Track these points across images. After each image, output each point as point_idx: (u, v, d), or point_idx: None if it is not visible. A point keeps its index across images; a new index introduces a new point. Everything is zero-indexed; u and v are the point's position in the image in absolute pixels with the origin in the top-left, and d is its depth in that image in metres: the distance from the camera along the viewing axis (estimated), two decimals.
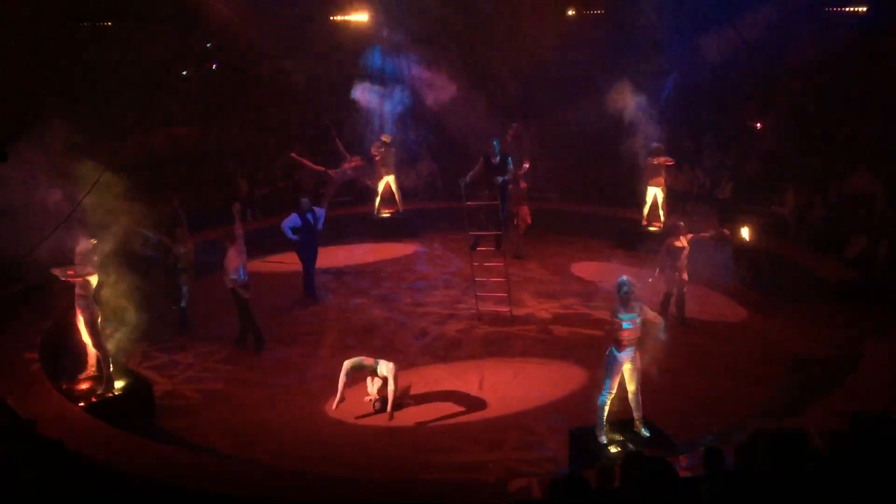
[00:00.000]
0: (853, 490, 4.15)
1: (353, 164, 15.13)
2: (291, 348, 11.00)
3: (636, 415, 7.88)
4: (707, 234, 11.32)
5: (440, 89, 17.65)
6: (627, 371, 7.68)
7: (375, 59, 18.29)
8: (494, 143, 13.05)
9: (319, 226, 12.70)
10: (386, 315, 12.17)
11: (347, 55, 18.64)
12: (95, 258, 8.79)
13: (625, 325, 7.51)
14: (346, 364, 8.88)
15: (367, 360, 8.99)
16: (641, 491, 4.12)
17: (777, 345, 10.78)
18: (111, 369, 8.95)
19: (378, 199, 16.04)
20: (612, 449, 7.65)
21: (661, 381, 8.39)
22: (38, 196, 8.80)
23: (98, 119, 13.55)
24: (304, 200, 12.67)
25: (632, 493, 4.30)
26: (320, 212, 12.80)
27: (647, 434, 7.82)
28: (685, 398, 9.31)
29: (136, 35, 15.92)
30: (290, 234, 12.52)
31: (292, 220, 12.53)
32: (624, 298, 7.51)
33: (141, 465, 7.31)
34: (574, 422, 8.35)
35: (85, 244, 8.73)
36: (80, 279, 8.66)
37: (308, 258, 12.77)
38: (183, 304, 11.62)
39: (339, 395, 8.86)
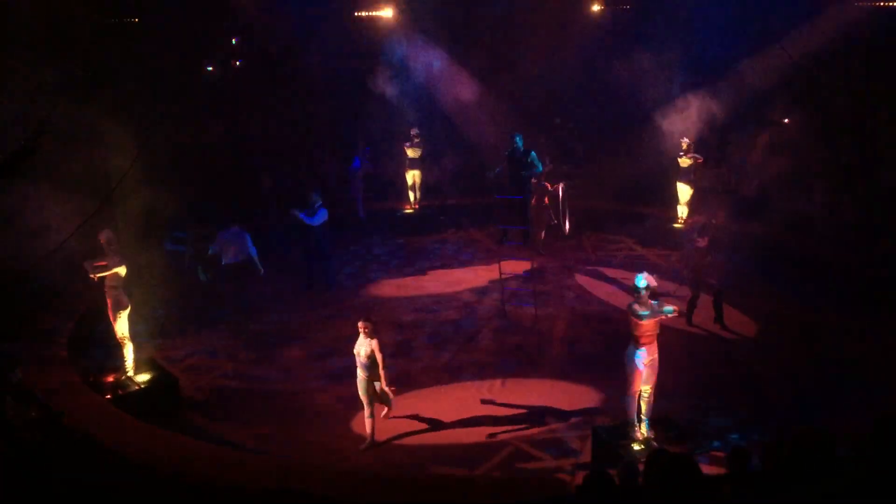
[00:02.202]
0: (879, 493, 4.09)
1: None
2: (315, 343, 11.04)
3: (644, 415, 7.81)
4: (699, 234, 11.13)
5: (462, 84, 17.64)
6: (645, 369, 7.63)
7: (398, 53, 18.31)
8: (517, 137, 12.95)
9: (316, 221, 12.42)
10: (406, 310, 12.21)
11: (371, 50, 18.67)
12: (117, 248, 8.91)
13: (644, 321, 7.46)
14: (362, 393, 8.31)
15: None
16: (665, 489, 4.09)
17: (805, 344, 10.65)
18: (132, 357, 9.13)
19: (410, 193, 16.08)
20: (636, 447, 7.61)
21: (687, 379, 8.32)
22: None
23: (124, 114, 13.69)
24: (314, 194, 12.54)
25: (655, 492, 4.27)
26: (321, 212, 12.52)
27: (651, 436, 7.74)
28: (711, 397, 9.23)
29: (162, 30, 16.02)
30: (300, 216, 12.41)
31: (302, 212, 12.49)
32: (643, 295, 7.45)
33: (165, 458, 7.39)
34: (596, 420, 8.32)
35: (109, 235, 8.83)
36: (111, 272, 8.78)
37: (307, 254, 12.76)
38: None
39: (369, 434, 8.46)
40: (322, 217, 12.50)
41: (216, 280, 11.91)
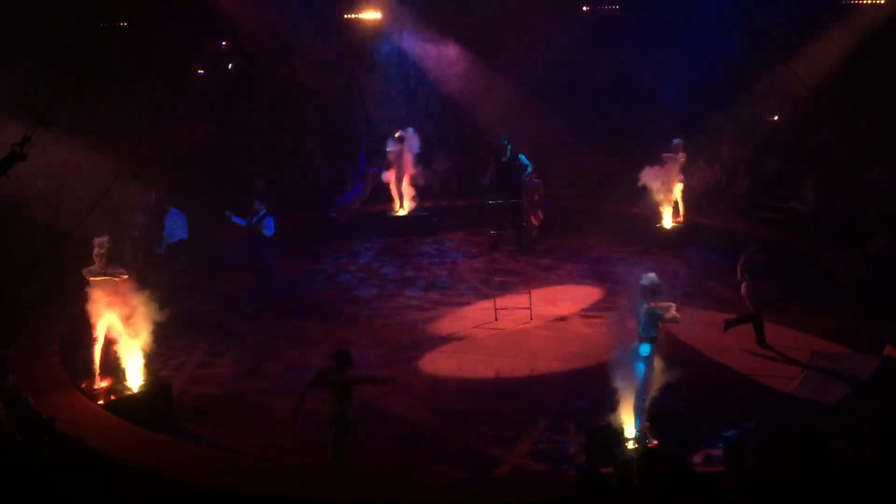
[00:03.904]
0: (874, 491, 4.11)
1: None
2: (306, 345, 11.00)
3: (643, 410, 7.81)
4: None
5: (454, 81, 17.59)
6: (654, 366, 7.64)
7: (388, 52, 18.29)
8: (504, 141, 12.97)
9: (269, 231, 12.24)
10: (400, 311, 12.18)
11: (361, 50, 18.67)
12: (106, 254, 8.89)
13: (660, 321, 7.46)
14: None
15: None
16: (659, 488, 4.10)
17: (797, 342, 10.67)
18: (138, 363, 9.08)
19: (397, 196, 16.03)
20: (630, 446, 7.60)
21: (681, 378, 8.30)
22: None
23: (115, 119, 13.66)
24: (257, 202, 12.29)
25: (649, 491, 4.28)
26: (268, 220, 12.27)
27: (647, 425, 7.72)
28: (705, 396, 9.22)
29: (152, 35, 15.99)
30: (235, 219, 12.28)
31: (240, 219, 12.29)
32: (650, 295, 7.43)
33: (158, 462, 7.35)
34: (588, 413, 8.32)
35: (103, 241, 8.81)
36: (124, 276, 8.79)
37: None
38: None
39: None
40: (272, 226, 12.30)
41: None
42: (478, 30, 18.14)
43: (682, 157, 14.08)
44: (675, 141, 14.07)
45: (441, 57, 17.99)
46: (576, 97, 17.62)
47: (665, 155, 14.07)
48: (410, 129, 15.69)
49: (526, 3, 17.80)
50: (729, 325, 10.54)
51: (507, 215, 13.09)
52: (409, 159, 15.59)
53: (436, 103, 18.32)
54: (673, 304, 7.68)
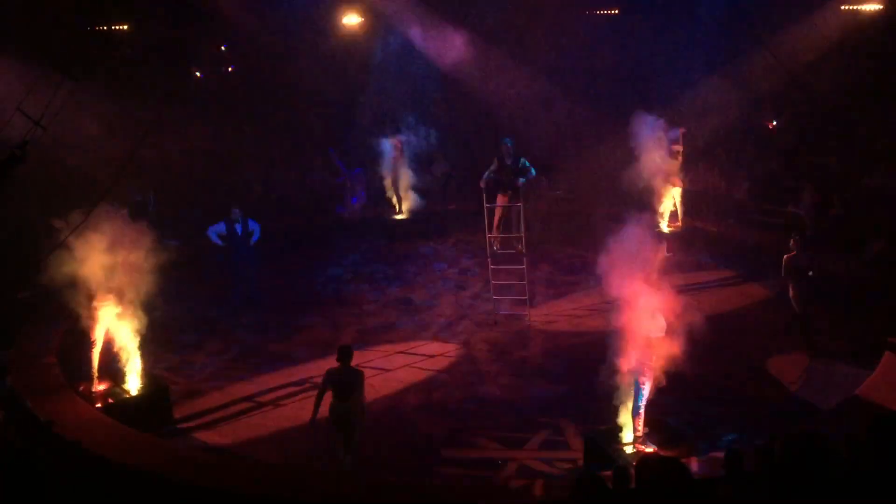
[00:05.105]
0: (873, 493, 4.10)
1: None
2: (304, 348, 11.02)
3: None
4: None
5: (451, 63, 17.57)
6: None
7: (390, 54, 18.29)
8: (508, 142, 12.92)
9: (254, 239, 12.29)
10: (397, 316, 12.20)
11: (360, 54, 18.65)
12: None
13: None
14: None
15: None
16: (657, 493, 4.10)
17: (795, 345, 10.67)
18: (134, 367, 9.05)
19: (395, 199, 16.06)
20: (629, 450, 7.59)
21: (678, 381, 8.32)
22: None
23: (112, 122, 13.66)
24: (235, 210, 12.23)
25: (647, 495, 4.27)
26: (255, 226, 12.34)
27: (646, 431, 7.73)
28: (703, 399, 9.22)
29: (151, 38, 15.98)
30: (214, 239, 12.21)
31: (218, 225, 12.22)
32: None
33: (156, 465, 7.34)
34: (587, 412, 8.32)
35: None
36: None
37: (234, 270, 12.38)
38: None
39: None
40: (256, 234, 12.32)
41: None
42: (480, 22, 18.11)
43: (676, 148, 14.02)
44: (676, 132, 14.00)
45: (443, 54, 17.97)
46: (581, 91, 17.61)
47: (674, 147, 14.00)
48: (412, 120, 15.76)
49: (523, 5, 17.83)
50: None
51: (505, 218, 13.05)
52: (404, 163, 15.66)
53: (437, 105, 18.33)
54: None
